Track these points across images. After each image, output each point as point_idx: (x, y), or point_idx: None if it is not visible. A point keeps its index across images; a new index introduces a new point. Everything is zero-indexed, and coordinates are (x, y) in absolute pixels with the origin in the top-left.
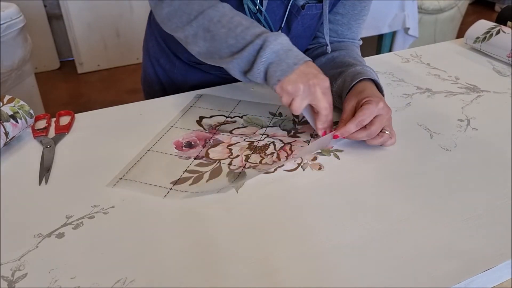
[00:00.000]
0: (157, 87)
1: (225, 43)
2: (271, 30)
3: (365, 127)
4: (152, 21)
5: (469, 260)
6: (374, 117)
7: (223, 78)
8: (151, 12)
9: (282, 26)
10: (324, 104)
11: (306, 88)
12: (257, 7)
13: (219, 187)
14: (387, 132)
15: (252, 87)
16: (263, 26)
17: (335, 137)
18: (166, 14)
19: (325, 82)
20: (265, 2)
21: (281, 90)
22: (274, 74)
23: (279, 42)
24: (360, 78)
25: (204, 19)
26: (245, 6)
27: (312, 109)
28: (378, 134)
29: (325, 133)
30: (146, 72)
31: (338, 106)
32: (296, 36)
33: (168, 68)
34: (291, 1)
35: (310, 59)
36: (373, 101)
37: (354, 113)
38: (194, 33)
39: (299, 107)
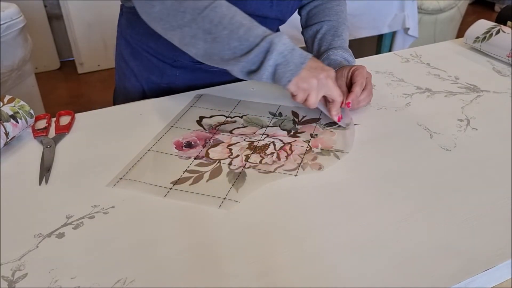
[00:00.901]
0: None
1: (227, 45)
2: None
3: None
4: (131, 34)
5: (469, 260)
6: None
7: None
8: (122, 24)
9: None
10: (338, 92)
11: (319, 82)
12: None
13: (221, 196)
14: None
15: (252, 87)
16: None
17: (347, 104)
18: (158, 13)
19: (332, 72)
20: None
21: (296, 88)
22: (284, 75)
23: (283, 43)
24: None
25: (204, 21)
26: None
27: (322, 99)
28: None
29: (340, 118)
30: (127, 92)
31: None
32: None
33: (165, 82)
34: None
35: (311, 54)
36: (359, 67)
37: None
38: (193, 35)
39: (315, 101)
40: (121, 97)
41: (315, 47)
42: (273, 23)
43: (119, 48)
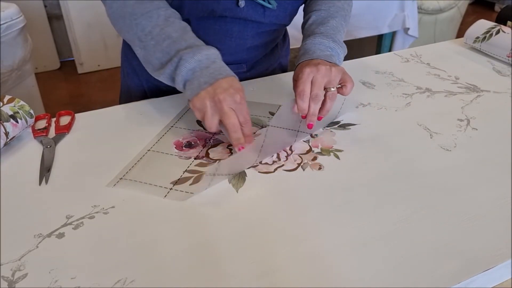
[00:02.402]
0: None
1: (154, 55)
2: None
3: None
4: None
5: (469, 260)
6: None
7: None
8: None
9: None
10: (231, 120)
11: (213, 104)
12: None
13: (214, 182)
14: (332, 89)
15: (252, 87)
16: None
17: (309, 126)
18: (110, 16)
19: (234, 96)
20: None
21: (192, 106)
22: (186, 92)
23: (197, 59)
24: (298, 63)
25: (137, 28)
26: None
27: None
28: (326, 96)
29: (241, 149)
30: (130, 90)
31: None
32: None
33: (164, 84)
34: None
35: (232, 75)
36: (299, 73)
37: None
38: (131, 40)
39: (210, 124)
40: (124, 95)
41: (303, 38)
42: (271, 26)
43: (124, 46)
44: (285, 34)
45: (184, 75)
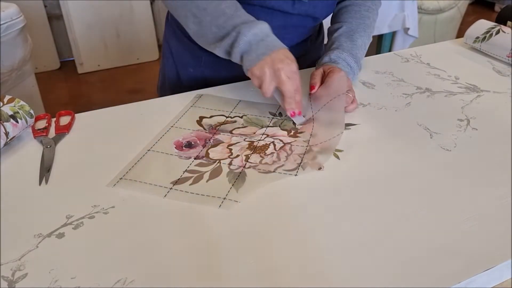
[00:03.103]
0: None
1: (209, 30)
2: None
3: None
4: (171, 17)
5: (469, 260)
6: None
7: None
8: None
9: None
10: (287, 87)
11: (272, 72)
12: None
13: (221, 196)
14: (350, 95)
15: (252, 87)
16: None
17: (311, 88)
18: None
19: (291, 66)
20: None
21: (250, 74)
22: (245, 63)
23: (253, 32)
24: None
25: (192, 5)
26: None
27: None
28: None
29: (293, 113)
30: (167, 77)
31: None
32: None
33: (193, 66)
34: None
35: (285, 47)
36: (336, 70)
37: (321, 79)
38: (185, 16)
39: (267, 89)
40: (161, 83)
41: (329, 44)
42: (299, 20)
43: (166, 32)
44: (320, 30)
45: (242, 47)
